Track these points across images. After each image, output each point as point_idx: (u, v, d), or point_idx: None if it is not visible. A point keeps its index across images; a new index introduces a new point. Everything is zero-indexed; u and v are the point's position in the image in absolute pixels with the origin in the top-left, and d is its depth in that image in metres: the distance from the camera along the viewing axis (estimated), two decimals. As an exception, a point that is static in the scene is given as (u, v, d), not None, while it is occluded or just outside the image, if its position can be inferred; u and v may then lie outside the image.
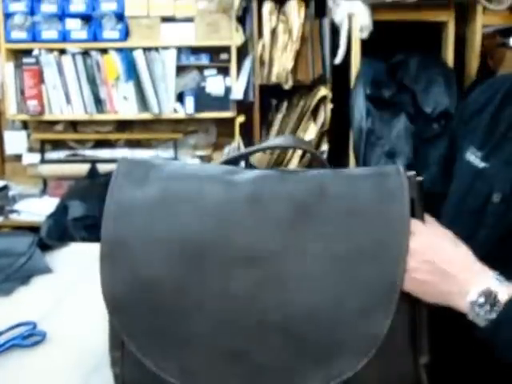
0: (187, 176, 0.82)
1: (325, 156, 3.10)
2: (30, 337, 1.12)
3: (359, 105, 2.85)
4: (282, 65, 3.06)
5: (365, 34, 2.86)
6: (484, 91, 1.16)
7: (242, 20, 3.26)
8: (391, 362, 0.78)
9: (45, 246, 1.57)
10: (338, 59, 2.97)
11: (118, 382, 0.83)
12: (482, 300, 0.77)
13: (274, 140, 0.83)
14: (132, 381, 0.82)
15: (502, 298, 0.77)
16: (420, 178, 0.80)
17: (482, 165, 1.05)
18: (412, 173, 0.80)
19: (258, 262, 0.75)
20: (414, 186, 0.79)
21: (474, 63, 2.94)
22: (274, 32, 3.07)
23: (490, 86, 1.16)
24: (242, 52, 3.30)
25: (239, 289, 0.74)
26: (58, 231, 3.05)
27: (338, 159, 3.09)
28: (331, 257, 0.75)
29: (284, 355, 0.74)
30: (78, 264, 1.50)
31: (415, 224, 0.78)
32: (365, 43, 2.90)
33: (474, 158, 1.07)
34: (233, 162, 0.90)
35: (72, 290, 1.38)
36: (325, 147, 3.10)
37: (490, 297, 0.77)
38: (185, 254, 0.75)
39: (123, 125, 3.55)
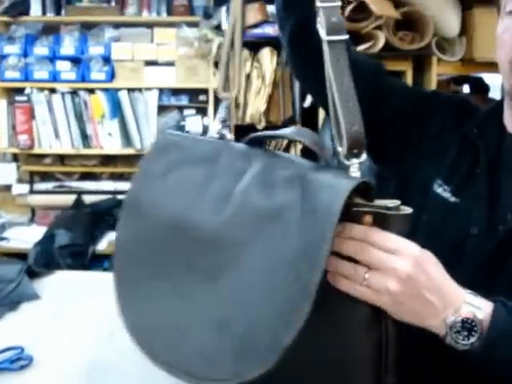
0: (203, 160, 0.88)
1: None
2: (17, 361, 1.14)
3: (326, 144, 3.09)
4: (255, 107, 3.30)
5: None
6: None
7: (218, 65, 3.51)
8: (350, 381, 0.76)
9: (33, 274, 1.64)
10: (307, 103, 3.21)
11: None
12: (459, 325, 0.75)
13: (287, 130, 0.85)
14: None
15: (483, 318, 0.76)
16: (405, 212, 0.74)
17: (452, 199, 1.02)
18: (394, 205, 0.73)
19: (224, 249, 0.78)
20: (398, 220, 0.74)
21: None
22: (248, 77, 3.32)
23: None
24: (219, 94, 3.54)
25: (203, 268, 0.79)
26: (45, 258, 3.21)
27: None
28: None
29: (212, 337, 0.75)
30: (64, 291, 1.59)
31: (404, 243, 0.74)
32: None
33: (442, 190, 1.04)
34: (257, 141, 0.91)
35: (58, 316, 1.43)
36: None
37: (467, 322, 0.76)
38: (173, 232, 0.84)
39: (108, 159, 3.77)
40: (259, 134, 0.91)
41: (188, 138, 0.93)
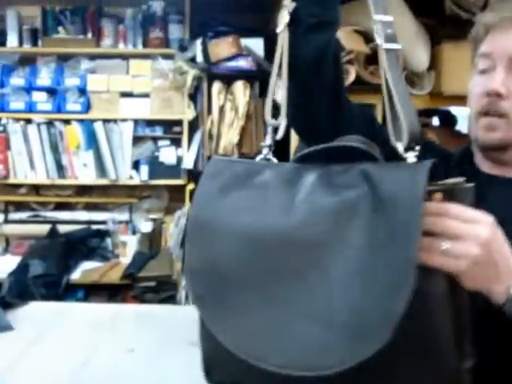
0: (257, 177, 0.92)
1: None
2: (-9, 390, 1.18)
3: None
4: (228, 139, 3.35)
5: None
6: None
7: (193, 97, 3.57)
8: (433, 363, 0.79)
9: (6, 304, 1.66)
10: (279, 135, 3.25)
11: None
12: None
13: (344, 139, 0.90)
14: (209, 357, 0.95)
15: None
16: (471, 185, 0.83)
17: None
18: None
19: (305, 248, 0.82)
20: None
21: (399, 141, 3.25)
22: (222, 109, 3.37)
23: None
24: (193, 126, 3.59)
25: (288, 270, 0.82)
26: (19, 288, 3.21)
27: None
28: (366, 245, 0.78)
29: (317, 333, 0.78)
30: (38, 322, 1.61)
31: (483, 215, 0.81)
32: None
33: None
34: (306, 158, 0.96)
35: (32, 347, 1.45)
36: (267, 214, 3.37)
37: None
38: (247, 243, 0.86)
39: (82, 189, 3.79)
40: (306, 150, 0.96)
41: (236, 160, 0.98)
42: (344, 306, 0.77)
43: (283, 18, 1.05)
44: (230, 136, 3.35)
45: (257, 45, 3.48)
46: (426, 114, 3.52)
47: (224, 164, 0.96)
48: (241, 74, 3.42)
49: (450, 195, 0.81)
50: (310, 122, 1.18)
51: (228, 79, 3.42)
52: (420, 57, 3.22)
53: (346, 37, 3.03)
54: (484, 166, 1.17)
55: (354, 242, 0.78)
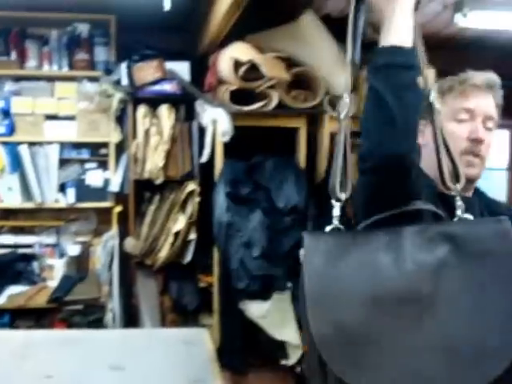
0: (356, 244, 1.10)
1: (193, 245, 3.40)
2: None
3: (220, 201, 3.16)
4: (153, 162, 3.36)
5: (226, 138, 3.17)
6: None
7: (120, 120, 3.57)
8: None
9: None
10: (204, 158, 3.29)
11: None
12: None
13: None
14: None
15: None
16: None
17: None
18: None
19: (417, 300, 1.03)
20: None
21: (323, 163, 3.31)
22: (147, 133, 3.38)
23: None
24: (120, 148, 3.60)
25: (408, 320, 1.02)
26: None
27: (205, 247, 3.38)
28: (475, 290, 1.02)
29: (445, 366, 0.99)
30: None
31: None
32: (228, 145, 3.20)
33: None
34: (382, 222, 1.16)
35: None
36: (193, 236, 3.40)
37: None
38: (371, 305, 1.03)
39: (8, 213, 3.76)
40: (379, 216, 1.16)
41: (325, 234, 1.17)
42: (467, 339, 1.00)
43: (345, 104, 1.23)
44: (155, 159, 3.36)
45: (182, 68, 3.51)
46: (357, 135, 3.59)
47: (317, 239, 1.12)
48: (166, 98, 3.44)
49: None
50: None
51: (153, 103, 3.43)
52: (341, 81, 3.28)
53: (266, 64, 3.08)
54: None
55: (456, 290, 1.02)
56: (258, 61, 3.07)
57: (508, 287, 1.02)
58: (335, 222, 1.17)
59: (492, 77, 1.55)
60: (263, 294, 3.16)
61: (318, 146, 3.38)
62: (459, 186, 1.17)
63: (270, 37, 3.28)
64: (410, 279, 1.03)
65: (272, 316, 3.16)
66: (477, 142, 1.48)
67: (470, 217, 1.16)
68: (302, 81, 3.30)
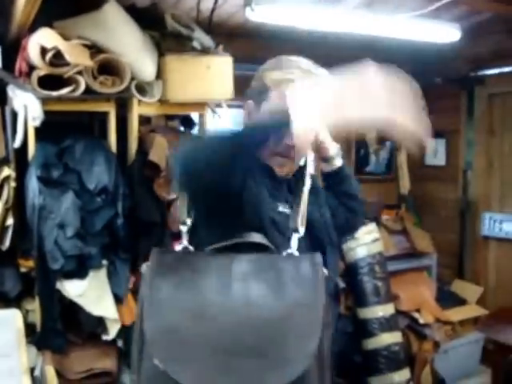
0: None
1: (10, 231, 3.42)
2: None
3: (32, 184, 3.23)
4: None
5: (37, 122, 3.22)
6: None
7: None
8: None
9: None
10: (17, 143, 3.34)
11: None
12: None
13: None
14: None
15: None
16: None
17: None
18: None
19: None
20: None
21: (133, 145, 3.47)
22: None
23: None
24: None
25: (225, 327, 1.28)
26: None
27: (24, 232, 3.41)
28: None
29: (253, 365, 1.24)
30: None
31: None
32: (40, 129, 3.28)
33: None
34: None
35: None
36: (10, 221, 3.42)
37: None
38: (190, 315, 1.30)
39: None
40: (225, 243, 1.41)
41: (167, 251, 1.63)
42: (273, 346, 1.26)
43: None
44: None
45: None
46: (169, 117, 3.77)
47: (160, 254, 1.40)
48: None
49: None
50: None
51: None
52: (147, 67, 3.45)
53: (70, 51, 3.18)
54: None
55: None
56: (62, 47, 3.17)
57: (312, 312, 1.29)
58: (185, 242, 1.45)
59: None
60: (79, 273, 3.27)
61: (128, 129, 3.53)
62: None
63: (76, 24, 3.38)
64: (227, 298, 1.29)
65: (89, 293, 3.28)
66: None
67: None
68: (110, 67, 3.43)
